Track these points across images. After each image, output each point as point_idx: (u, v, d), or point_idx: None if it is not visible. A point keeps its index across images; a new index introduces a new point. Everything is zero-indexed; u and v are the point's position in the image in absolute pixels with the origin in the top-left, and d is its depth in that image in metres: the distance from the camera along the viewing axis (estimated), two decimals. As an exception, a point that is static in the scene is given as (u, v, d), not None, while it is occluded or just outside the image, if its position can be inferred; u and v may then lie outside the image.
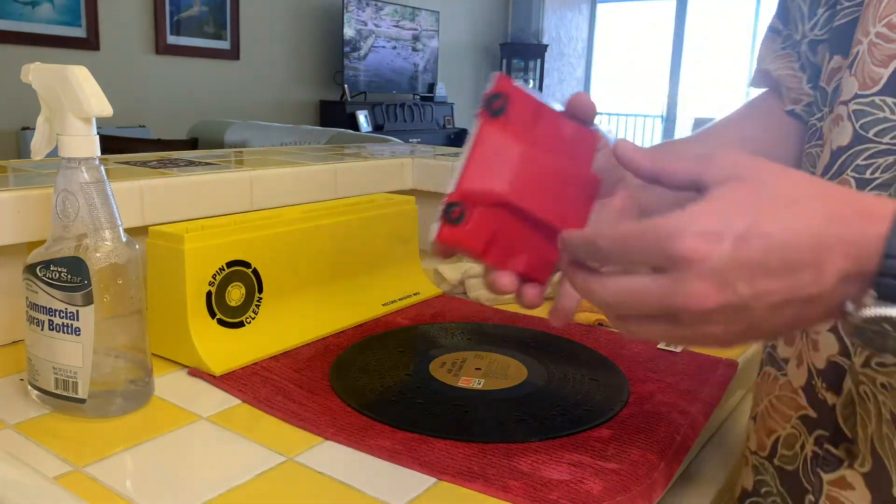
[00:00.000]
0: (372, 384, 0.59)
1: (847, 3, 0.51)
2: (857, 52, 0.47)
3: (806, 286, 0.34)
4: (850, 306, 0.34)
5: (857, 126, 0.46)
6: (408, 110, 5.06)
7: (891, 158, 0.45)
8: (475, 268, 0.86)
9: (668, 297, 0.35)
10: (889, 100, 0.45)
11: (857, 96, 0.46)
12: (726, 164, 0.36)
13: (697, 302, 0.34)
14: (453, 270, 0.87)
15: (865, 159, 0.46)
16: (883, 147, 0.45)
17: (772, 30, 0.63)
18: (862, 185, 0.46)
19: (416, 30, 5.15)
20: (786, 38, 0.61)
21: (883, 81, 0.45)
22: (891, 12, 0.45)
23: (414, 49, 5.16)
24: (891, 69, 0.45)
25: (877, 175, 0.45)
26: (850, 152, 0.47)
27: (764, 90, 0.65)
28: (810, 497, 0.48)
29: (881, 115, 0.45)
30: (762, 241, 0.33)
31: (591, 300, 0.40)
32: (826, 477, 0.47)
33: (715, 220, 0.33)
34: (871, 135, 0.46)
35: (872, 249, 0.33)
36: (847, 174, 0.47)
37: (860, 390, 0.44)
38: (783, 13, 0.61)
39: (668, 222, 0.34)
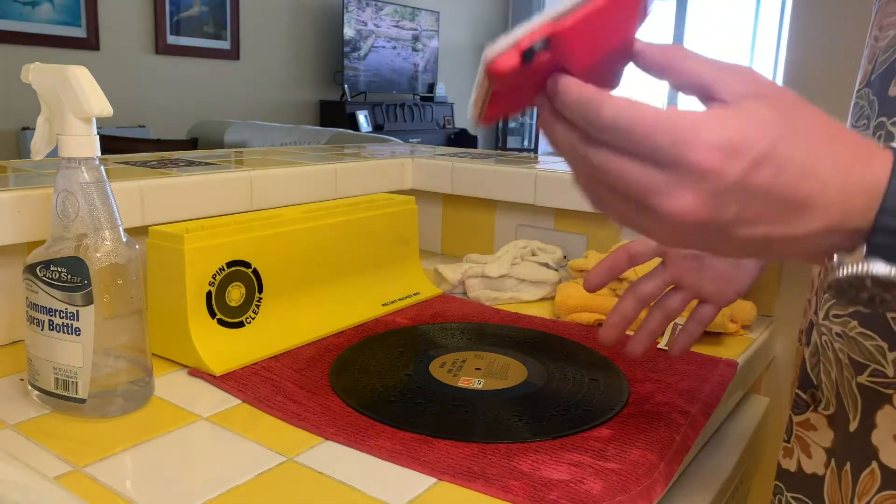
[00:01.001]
0: (372, 384, 0.59)
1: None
2: (865, 52, 0.52)
3: (791, 227, 0.33)
4: (836, 259, 0.33)
5: (852, 118, 0.52)
6: (408, 110, 5.06)
7: None
8: (475, 268, 0.86)
9: (655, 194, 0.32)
10: (867, 91, 0.50)
11: (856, 91, 0.52)
12: (746, 78, 0.34)
13: (682, 213, 0.32)
14: (453, 270, 0.87)
15: None
16: (860, 131, 0.50)
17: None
18: None
19: (416, 30, 5.15)
20: None
21: (868, 76, 0.50)
22: (883, 15, 0.50)
23: (414, 49, 5.16)
24: (873, 65, 0.50)
25: None
26: None
27: None
28: (784, 436, 0.54)
29: (862, 103, 0.50)
30: (773, 170, 0.31)
31: (570, 157, 0.36)
32: (795, 419, 0.52)
33: (737, 133, 0.31)
34: (856, 122, 0.51)
35: (865, 203, 0.32)
36: None
37: (822, 340, 0.49)
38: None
39: (688, 120, 0.31)
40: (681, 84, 0.36)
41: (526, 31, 0.33)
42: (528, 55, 0.33)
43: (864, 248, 0.32)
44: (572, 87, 0.34)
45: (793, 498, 0.54)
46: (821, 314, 0.50)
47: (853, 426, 0.47)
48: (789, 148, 0.31)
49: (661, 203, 0.32)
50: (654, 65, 0.37)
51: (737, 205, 0.32)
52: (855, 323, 0.48)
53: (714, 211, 0.32)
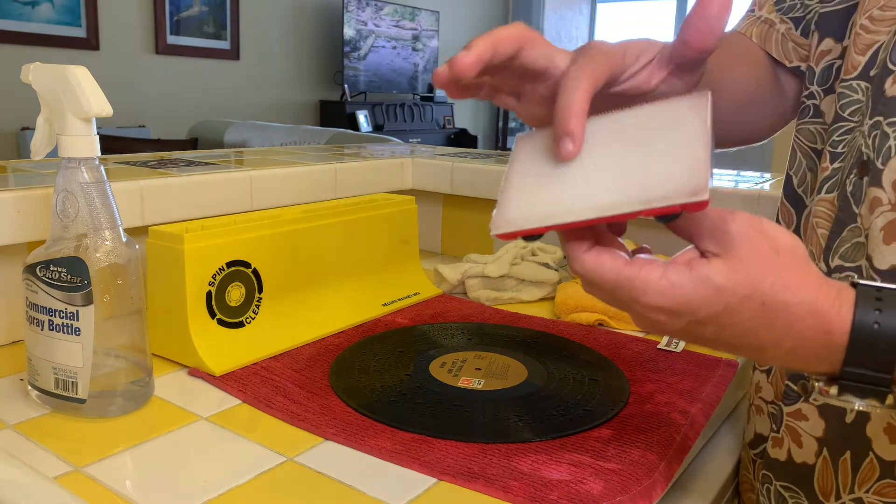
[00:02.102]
0: (372, 384, 0.59)
1: None
2: (849, 41, 0.52)
3: (754, 357, 0.39)
4: (815, 386, 0.38)
5: (838, 106, 0.52)
6: (408, 110, 5.06)
7: (852, 133, 0.51)
8: (475, 268, 0.86)
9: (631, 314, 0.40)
10: (862, 83, 0.50)
11: (842, 80, 0.52)
12: (737, 233, 0.37)
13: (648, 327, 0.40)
14: (453, 270, 0.87)
15: (840, 135, 0.52)
16: (852, 125, 0.51)
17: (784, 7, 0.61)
18: (834, 158, 0.51)
19: (416, 30, 5.15)
20: (780, 2, 0.61)
21: (860, 68, 0.51)
22: (873, 6, 0.50)
23: (414, 49, 5.16)
24: (867, 57, 0.50)
25: (843, 150, 0.51)
26: (830, 128, 0.53)
27: (736, 31, 0.64)
28: (773, 426, 0.54)
29: (855, 96, 0.51)
30: (716, 328, 0.37)
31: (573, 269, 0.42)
32: (786, 409, 0.53)
33: (679, 302, 0.37)
34: (846, 114, 0.51)
35: (827, 357, 0.37)
36: (826, 148, 0.53)
37: None
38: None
39: (640, 282, 0.37)
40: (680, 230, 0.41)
41: (531, 220, 0.40)
42: (525, 237, 0.41)
43: (836, 389, 0.37)
44: (587, 261, 0.40)
45: (781, 486, 0.54)
46: None
47: (850, 417, 0.48)
48: (732, 318, 0.36)
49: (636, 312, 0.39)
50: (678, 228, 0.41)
51: (693, 339, 0.39)
52: None
53: (677, 336, 0.39)
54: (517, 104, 0.48)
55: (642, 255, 0.39)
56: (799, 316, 0.36)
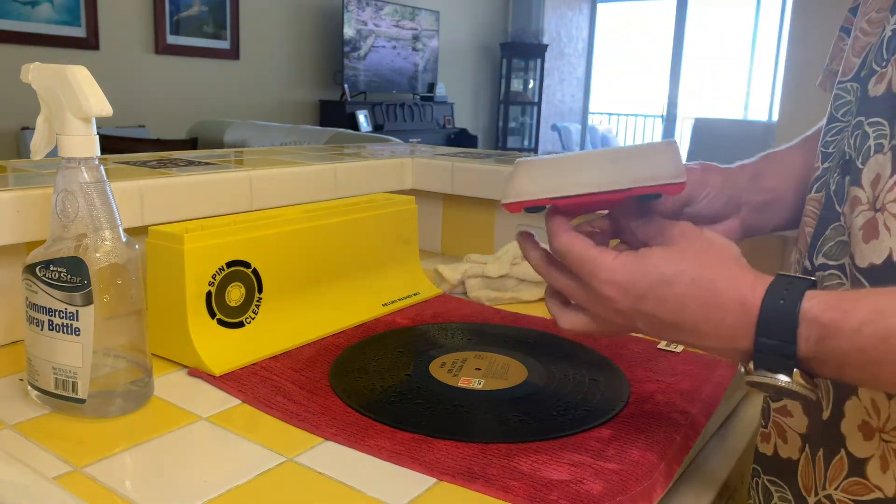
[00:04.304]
0: (372, 384, 0.59)
1: (854, 2, 0.56)
2: (849, 44, 0.53)
3: (690, 340, 0.44)
4: (741, 369, 0.42)
5: (833, 107, 0.53)
6: (408, 110, 5.06)
7: (841, 134, 0.52)
8: (475, 268, 0.86)
9: (581, 302, 0.48)
10: (853, 84, 0.51)
11: (839, 82, 0.53)
12: (679, 233, 0.47)
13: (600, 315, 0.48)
14: (453, 270, 0.87)
15: (831, 136, 0.53)
16: (842, 125, 0.52)
17: (842, 28, 0.61)
18: (825, 158, 0.53)
19: (416, 30, 5.15)
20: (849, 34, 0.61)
21: (854, 70, 0.51)
22: (871, 10, 0.51)
23: (414, 49, 5.16)
24: (860, 59, 0.51)
25: (832, 150, 0.52)
26: (825, 129, 0.54)
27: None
28: (762, 421, 0.56)
29: (847, 97, 0.52)
30: (655, 301, 0.44)
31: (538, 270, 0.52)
32: (773, 405, 0.54)
33: (628, 276, 0.44)
34: (838, 115, 0.52)
35: (745, 331, 0.41)
36: (819, 148, 0.54)
37: None
38: (854, 7, 0.59)
39: (600, 260, 0.45)
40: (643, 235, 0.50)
41: (533, 190, 0.49)
42: (530, 209, 0.50)
43: (752, 364, 0.41)
44: (547, 218, 0.50)
45: (768, 481, 0.55)
46: None
47: (826, 414, 0.49)
48: (667, 290, 0.43)
49: (590, 298, 0.47)
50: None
51: (640, 320, 0.45)
52: None
53: (626, 320, 0.46)
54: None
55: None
56: (718, 290, 0.42)
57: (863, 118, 0.48)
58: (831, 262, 0.49)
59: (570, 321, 0.49)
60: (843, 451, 0.47)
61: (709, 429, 0.61)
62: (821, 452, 0.49)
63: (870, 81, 0.48)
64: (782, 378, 0.40)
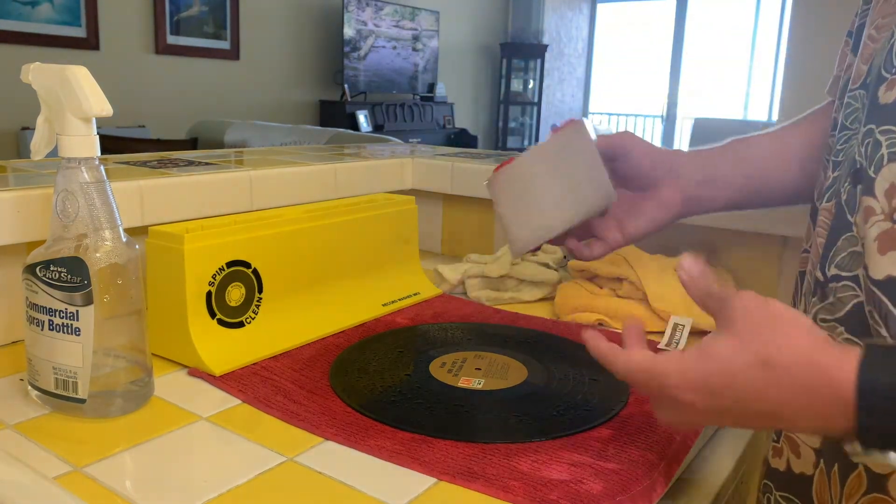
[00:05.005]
0: (372, 384, 0.59)
1: (864, 6, 0.56)
2: (858, 52, 0.52)
3: (778, 426, 0.41)
4: (846, 448, 0.38)
5: (842, 115, 0.52)
6: (408, 110, 5.06)
7: (850, 142, 0.51)
8: (475, 268, 0.86)
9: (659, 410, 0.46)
10: (861, 92, 0.50)
11: (849, 91, 0.52)
12: (740, 307, 0.41)
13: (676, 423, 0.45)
14: (453, 270, 0.87)
15: (841, 144, 0.52)
16: (850, 133, 0.51)
17: (849, 33, 0.62)
18: (835, 167, 0.52)
19: (416, 30, 5.15)
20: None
21: (862, 77, 0.50)
22: (878, 16, 0.50)
23: (414, 49, 5.16)
24: (868, 66, 0.50)
25: (841, 158, 0.51)
26: (834, 138, 0.53)
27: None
28: (773, 436, 0.55)
29: (855, 105, 0.51)
30: (732, 398, 0.40)
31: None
32: None
33: (697, 377, 0.41)
34: (847, 123, 0.51)
35: (842, 416, 0.37)
36: (830, 157, 0.53)
37: None
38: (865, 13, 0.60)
39: (665, 372, 0.42)
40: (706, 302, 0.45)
41: (534, 240, 0.62)
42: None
43: (859, 446, 0.37)
44: (590, 343, 0.47)
45: (781, 497, 0.54)
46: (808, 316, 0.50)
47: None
48: (741, 383, 0.39)
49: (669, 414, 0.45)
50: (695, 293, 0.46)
51: (722, 417, 0.41)
52: (842, 329, 0.48)
53: (706, 419, 0.43)
54: None
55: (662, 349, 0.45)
56: (797, 373, 0.37)
57: (873, 126, 0.47)
58: (844, 273, 0.48)
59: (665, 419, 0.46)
60: (860, 467, 0.46)
61: (708, 428, 0.61)
62: (836, 468, 0.48)
63: (880, 88, 0.47)
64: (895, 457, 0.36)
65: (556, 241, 0.63)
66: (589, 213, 0.60)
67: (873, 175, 0.46)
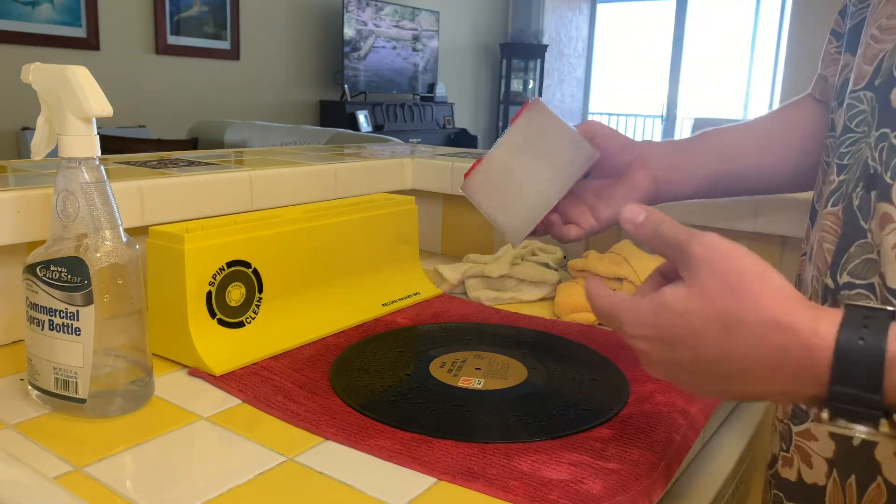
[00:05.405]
0: (372, 384, 0.59)
1: (860, 5, 0.55)
2: (859, 52, 0.51)
3: (738, 389, 0.38)
4: (811, 414, 0.37)
5: (846, 117, 0.51)
6: (408, 110, 5.06)
7: (857, 145, 0.50)
8: (475, 268, 0.86)
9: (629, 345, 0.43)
10: (867, 94, 0.49)
11: (851, 91, 0.51)
12: (702, 257, 0.39)
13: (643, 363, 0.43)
14: (453, 270, 0.87)
15: (846, 147, 0.51)
16: (858, 136, 0.50)
17: (832, 32, 0.63)
18: (840, 170, 0.51)
19: (416, 30, 5.15)
20: (840, 38, 0.61)
21: (867, 78, 0.50)
22: (881, 16, 0.49)
23: (414, 49, 5.16)
24: (873, 67, 0.49)
25: (848, 161, 0.50)
26: (838, 140, 0.52)
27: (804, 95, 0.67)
28: (783, 445, 0.54)
29: (861, 107, 0.50)
30: (691, 355, 0.38)
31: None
32: (795, 429, 0.52)
33: (653, 329, 0.40)
34: (853, 125, 0.50)
35: (813, 377, 0.35)
36: (833, 160, 0.52)
37: None
38: (843, 10, 0.61)
39: (623, 315, 0.41)
40: (661, 244, 0.42)
41: (527, 226, 0.64)
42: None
43: (828, 414, 0.35)
44: (588, 282, 0.47)
45: None
46: None
47: (857, 440, 0.46)
48: (701, 341, 0.37)
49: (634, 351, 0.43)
50: (643, 236, 0.43)
51: (681, 371, 0.40)
52: None
53: (665, 371, 0.41)
54: None
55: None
56: (762, 334, 0.35)
57: (888, 130, 0.46)
58: (858, 281, 0.47)
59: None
60: (879, 479, 0.45)
61: (708, 428, 0.61)
62: (852, 479, 0.47)
63: (892, 91, 0.46)
64: (863, 429, 0.34)
65: (539, 227, 0.64)
66: (575, 174, 0.61)
67: (890, 181, 0.45)
